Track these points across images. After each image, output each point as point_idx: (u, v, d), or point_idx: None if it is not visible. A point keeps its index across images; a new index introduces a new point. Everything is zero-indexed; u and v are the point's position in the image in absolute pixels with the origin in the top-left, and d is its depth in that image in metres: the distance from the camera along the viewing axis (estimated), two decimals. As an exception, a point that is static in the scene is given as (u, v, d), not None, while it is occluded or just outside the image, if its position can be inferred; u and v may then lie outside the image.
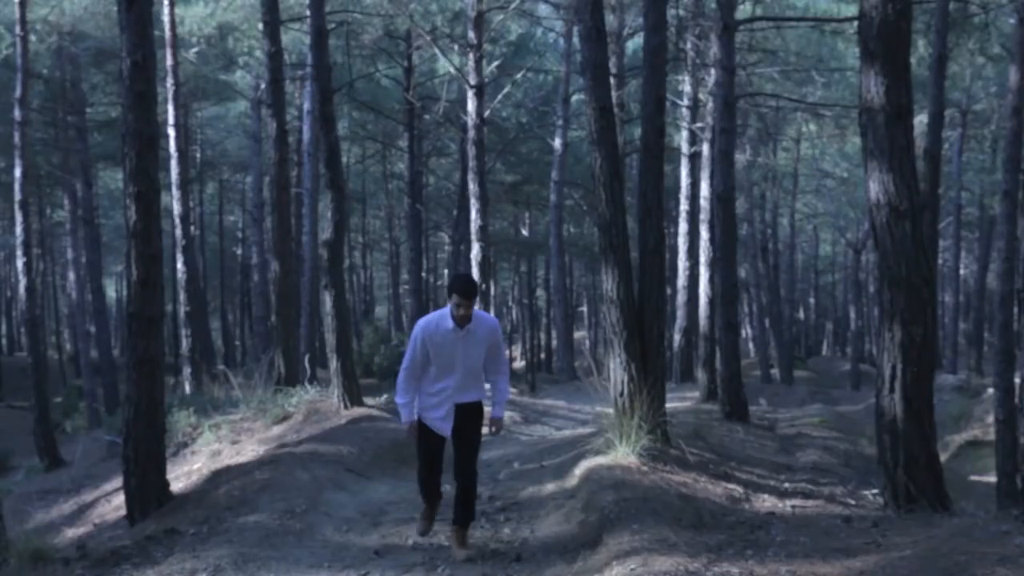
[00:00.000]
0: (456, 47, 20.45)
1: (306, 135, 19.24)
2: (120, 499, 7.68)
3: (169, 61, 16.01)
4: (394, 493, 7.42)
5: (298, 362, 13.56)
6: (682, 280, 19.41)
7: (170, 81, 16.07)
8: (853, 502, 6.60)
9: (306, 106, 19.24)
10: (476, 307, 5.16)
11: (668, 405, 8.07)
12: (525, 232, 33.80)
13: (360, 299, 38.60)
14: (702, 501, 6.18)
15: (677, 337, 19.42)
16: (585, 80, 7.75)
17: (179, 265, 17.28)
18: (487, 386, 5.43)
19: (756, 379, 22.79)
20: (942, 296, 30.66)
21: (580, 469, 6.89)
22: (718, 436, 9.28)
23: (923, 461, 5.86)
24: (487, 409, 5.38)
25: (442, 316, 5.12)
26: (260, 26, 14.17)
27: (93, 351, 24.43)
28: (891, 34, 5.80)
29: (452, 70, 17.10)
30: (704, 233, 16.69)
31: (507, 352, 5.46)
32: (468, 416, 5.23)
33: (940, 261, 26.40)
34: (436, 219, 31.36)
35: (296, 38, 20.70)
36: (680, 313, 19.52)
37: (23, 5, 15.20)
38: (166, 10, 15.98)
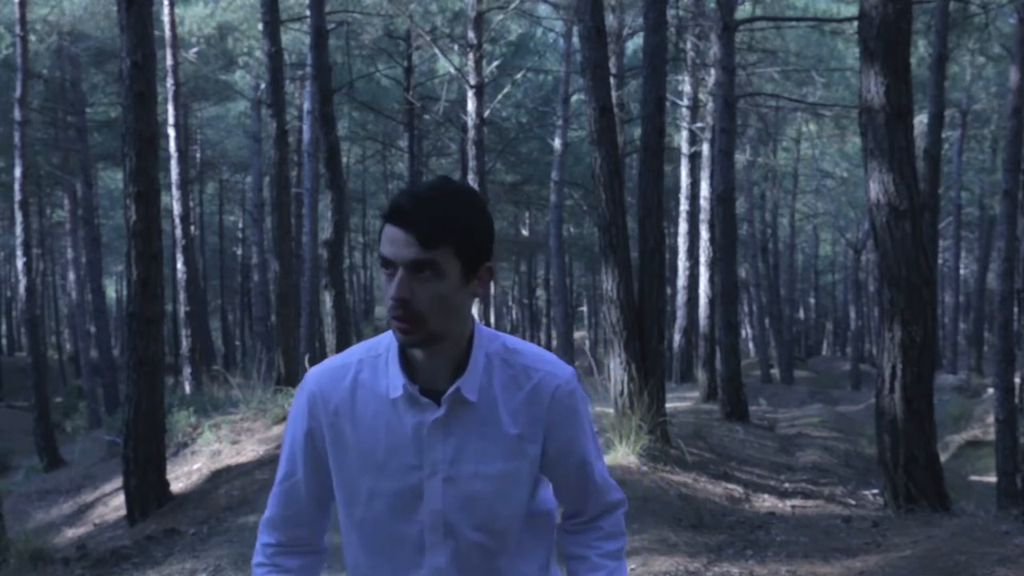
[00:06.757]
0: (456, 47, 20.42)
1: (306, 135, 19.20)
2: (120, 499, 7.67)
3: (169, 61, 15.99)
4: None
5: (298, 362, 13.54)
6: (682, 280, 19.38)
7: (170, 81, 16.05)
8: (853, 502, 6.60)
9: (306, 106, 19.20)
10: (511, 334, 1.60)
11: (668, 405, 8.07)
12: (525, 232, 33.78)
13: (360, 299, 38.57)
14: (702, 501, 6.18)
15: (677, 337, 19.40)
16: (585, 80, 7.74)
17: (179, 265, 17.27)
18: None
19: (756, 379, 22.76)
20: (942, 296, 30.64)
21: (580, 469, 6.87)
22: (718, 436, 9.28)
23: (923, 461, 5.87)
24: None
25: (372, 361, 1.52)
26: (260, 26, 14.15)
27: (93, 351, 24.42)
28: (891, 34, 5.80)
29: (452, 70, 17.07)
30: (704, 233, 16.67)
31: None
32: None
33: (940, 261, 26.36)
34: (436, 219, 31.29)
35: (296, 38, 20.68)
36: (680, 313, 19.50)
37: (23, 5, 15.18)
38: (166, 10, 15.95)
